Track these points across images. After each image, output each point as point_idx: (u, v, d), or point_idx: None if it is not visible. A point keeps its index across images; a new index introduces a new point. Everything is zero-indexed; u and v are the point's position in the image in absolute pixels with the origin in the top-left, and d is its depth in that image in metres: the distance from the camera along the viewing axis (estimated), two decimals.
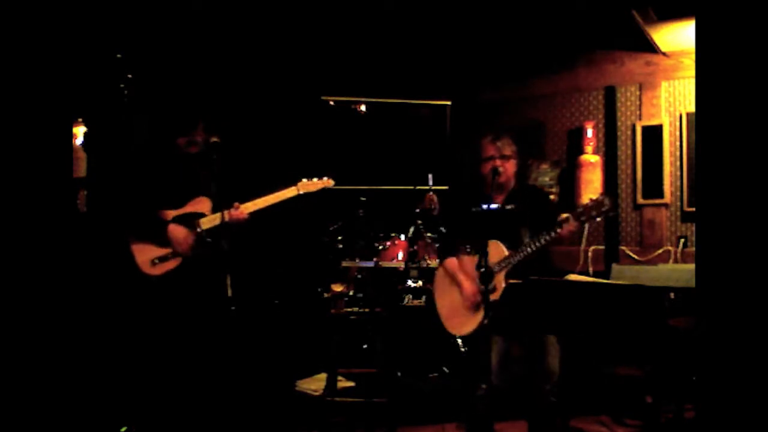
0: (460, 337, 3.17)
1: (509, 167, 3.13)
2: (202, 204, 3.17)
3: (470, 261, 3.08)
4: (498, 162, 3.09)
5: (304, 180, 3.30)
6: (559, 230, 2.86)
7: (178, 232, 3.10)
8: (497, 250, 2.99)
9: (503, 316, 2.71)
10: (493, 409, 2.98)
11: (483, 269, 2.81)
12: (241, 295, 2.99)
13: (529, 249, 2.92)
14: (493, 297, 2.94)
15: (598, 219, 2.83)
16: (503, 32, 5.23)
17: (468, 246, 3.15)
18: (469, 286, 3.08)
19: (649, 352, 3.60)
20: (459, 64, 5.66)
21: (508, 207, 3.13)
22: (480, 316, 3.02)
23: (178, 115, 3.25)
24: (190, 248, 3.09)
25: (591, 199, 2.83)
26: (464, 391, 3.03)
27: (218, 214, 3.08)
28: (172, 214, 3.15)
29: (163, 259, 3.10)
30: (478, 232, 3.06)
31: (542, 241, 2.90)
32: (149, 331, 3.23)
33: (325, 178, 3.35)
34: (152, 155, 3.29)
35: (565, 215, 2.86)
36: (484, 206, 3.13)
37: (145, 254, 3.10)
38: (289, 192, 3.25)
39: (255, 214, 3.19)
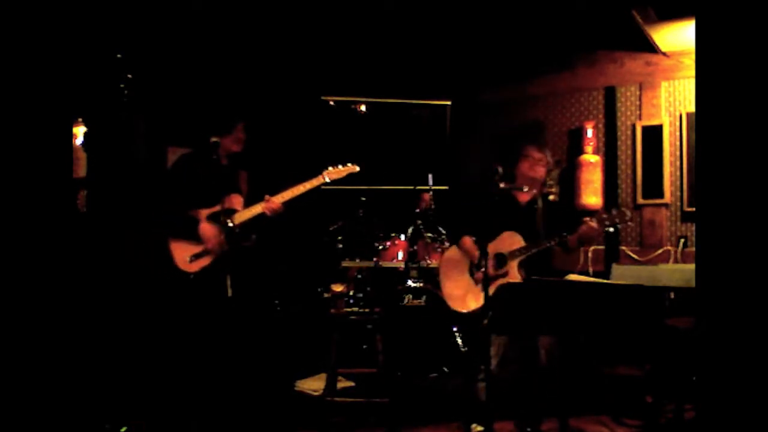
0: (467, 314, 3.31)
1: (542, 172, 3.35)
2: (234, 201, 3.25)
3: (491, 245, 3.23)
4: (540, 164, 3.34)
5: (330, 168, 3.36)
6: (582, 228, 3.05)
7: (208, 230, 3.19)
8: (514, 239, 3.20)
9: (504, 315, 2.71)
10: (493, 405, 2.98)
11: (482, 268, 2.85)
12: (241, 295, 3.00)
13: (547, 243, 3.12)
14: (504, 280, 3.14)
15: (617, 227, 3.14)
16: (503, 32, 5.23)
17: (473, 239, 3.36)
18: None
19: (649, 352, 3.60)
20: (459, 64, 5.66)
21: (527, 201, 3.32)
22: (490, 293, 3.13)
23: (218, 116, 3.34)
24: (219, 245, 3.18)
25: (617, 210, 3.04)
26: (465, 385, 3.07)
27: (254, 207, 3.21)
28: (205, 212, 3.21)
29: (198, 256, 3.19)
30: (497, 218, 3.24)
31: (561, 237, 3.08)
32: (149, 330, 3.24)
33: (350, 164, 3.42)
34: (189, 157, 3.36)
35: (587, 218, 3.06)
36: (511, 185, 3.27)
37: (182, 252, 3.20)
38: (317, 180, 3.32)
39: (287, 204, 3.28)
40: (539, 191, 3.40)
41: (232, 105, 3.50)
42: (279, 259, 5.04)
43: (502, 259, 3.24)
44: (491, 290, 3.12)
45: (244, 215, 3.22)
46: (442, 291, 3.52)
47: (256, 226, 3.26)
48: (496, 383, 2.97)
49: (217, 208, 3.19)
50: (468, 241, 3.41)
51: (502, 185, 3.25)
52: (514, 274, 3.18)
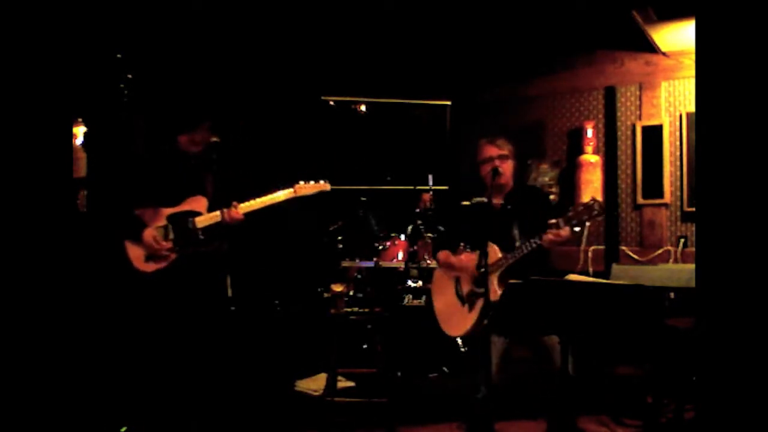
0: (458, 338, 3.17)
1: (507, 167, 3.12)
2: (199, 203, 3.19)
3: (466, 256, 3.10)
4: (497, 162, 3.08)
5: (301, 182, 3.32)
6: (547, 235, 2.82)
7: (149, 237, 3.10)
8: (491, 252, 2.95)
9: (504, 316, 2.70)
10: (493, 409, 2.97)
11: (483, 269, 2.81)
12: (241, 295, 2.99)
13: (521, 251, 2.91)
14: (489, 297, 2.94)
15: (588, 223, 2.80)
16: (503, 32, 5.23)
17: (463, 244, 3.16)
18: (466, 265, 3.07)
19: (649, 352, 3.60)
20: (459, 64, 5.66)
21: (500, 204, 3.12)
22: (474, 315, 3.02)
23: (180, 114, 3.28)
24: (159, 252, 3.09)
25: (581, 204, 2.77)
26: (464, 391, 3.02)
27: (216, 213, 3.12)
28: (167, 211, 3.16)
29: (151, 257, 3.12)
30: (472, 230, 3.08)
31: (533, 244, 2.88)
32: (148, 330, 3.23)
33: (322, 182, 3.36)
34: (150, 152, 3.32)
35: (553, 220, 2.80)
36: (477, 199, 3.13)
37: (138, 251, 3.13)
38: (286, 194, 3.27)
39: (251, 215, 3.20)
40: (512, 186, 3.18)
41: (198, 103, 3.43)
42: (278, 259, 5.04)
43: (481, 275, 2.97)
44: (476, 314, 3.00)
45: (204, 220, 3.15)
46: (435, 314, 3.30)
47: (222, 231, 3.17)
48: (497, 387, 2.94)
49: (181, 207, 3.16)
50: (442, 255, 3.23)
51: (464, 203, 3.18)
52: (494, 289, 2.92)
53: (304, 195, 3.32)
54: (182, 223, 3.14)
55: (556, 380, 2.89)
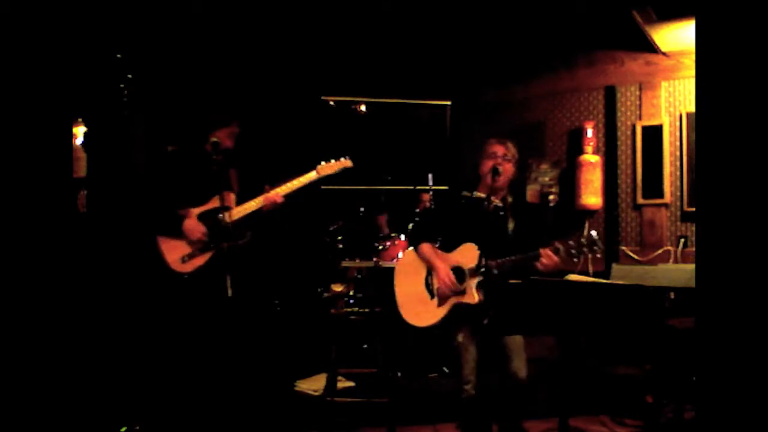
0: (419, 328, 3.11)
1: (507, 169, 3.07)
2: (228, 198, 3.20)
3: (451, 255, 3.06)
4: (499, 161, 3.04)
5: (323, 163, 3.32)
6: (542, 261, 2.79)
7: (189, 224, 3.14)
8: (470, 253, 2.93)
9: (504, 316, 2.70)
10: (489, 409, 2.97)
11: (483, 269, 2.81)
12: (241, 295, 2.99)
13: (510, 262, 2.86)
14: (464, 299, 2.92)
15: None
16: (503, 32, 5.23)
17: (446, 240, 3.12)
18: (446, 274, 2.99)
19: (649, 352, 3.60)
20: (459, 64, 5.66)
21: (498, 203, 3.08)
22: (443, 312, 2.99)
23: (215, 111, 3.32)
24: (200, 238, 3.12)
25: (586, 237, 2.75)
26: (455, 391, 3.01)
27: (255, 200, 3.16)
28: (196, 211, 3.19)
29: (191, 255, 3.14)
30: (465, 225, 3.02)
31: (525, 259, 2.84)
32: (159, 331, 3.24)
33: (343, 159, 3.35)
34: (174, 154, 3.34)
35: (557, 245, 2.79)
36: (476, 194, 3.10)
37: (174, 253, 3.15)
38: (309, 176, 3.28)
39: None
40: (506, 192, 3.12)
41: (228, 100, 3.47)
42: (278, 259, 5.03)
43: (460, 274, 2.94)
44: (445, 310, 2.97)
45: (240, 211, 3.18)
46: (396, 297, 3.21)
47: (251, 223, 3.21)
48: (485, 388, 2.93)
49: (210, 206, 3.17)
50: (426, 247, 3.12)
51: (465, 193, 3.13)
52: (471, 293, 2.88)
53: (328, 174, 3.32)
54: (214, 219, 3.15)
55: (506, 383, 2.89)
